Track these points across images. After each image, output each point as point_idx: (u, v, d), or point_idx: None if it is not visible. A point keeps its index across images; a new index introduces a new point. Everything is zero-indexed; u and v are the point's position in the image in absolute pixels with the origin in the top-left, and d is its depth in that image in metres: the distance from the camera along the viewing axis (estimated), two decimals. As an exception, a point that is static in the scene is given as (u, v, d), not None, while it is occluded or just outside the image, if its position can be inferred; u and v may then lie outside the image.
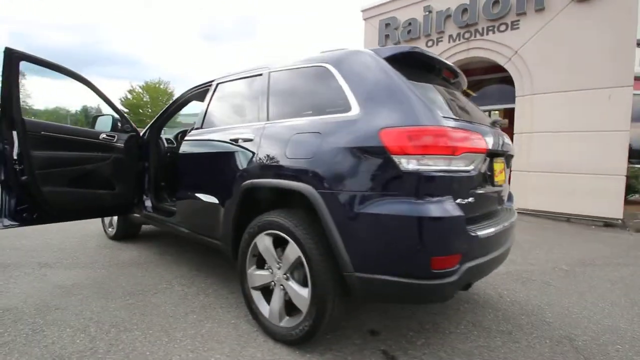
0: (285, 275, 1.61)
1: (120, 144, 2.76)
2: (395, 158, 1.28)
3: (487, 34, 6.58)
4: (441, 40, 7.24)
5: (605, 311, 2.10)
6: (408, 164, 1.27)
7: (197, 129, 2.32)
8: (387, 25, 7.97)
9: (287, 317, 1.63)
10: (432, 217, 1.23)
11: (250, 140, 1.82)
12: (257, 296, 1.77)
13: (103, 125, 2.83)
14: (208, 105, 2.32)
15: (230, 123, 2.13)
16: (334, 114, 1.53)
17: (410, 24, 7.56)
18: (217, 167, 2.01)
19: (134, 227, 3.39)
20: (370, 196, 1.31)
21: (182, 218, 2.36)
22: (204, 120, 2.30)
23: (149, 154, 2.93)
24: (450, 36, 7.08)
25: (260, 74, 2.02)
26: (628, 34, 5.16)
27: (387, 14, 8.00)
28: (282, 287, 1.63)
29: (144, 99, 32.78)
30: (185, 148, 2.30)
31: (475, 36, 6.74)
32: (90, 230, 3.79)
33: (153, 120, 2.97)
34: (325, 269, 1.45)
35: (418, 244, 1.24)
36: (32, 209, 2.21)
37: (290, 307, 1.61)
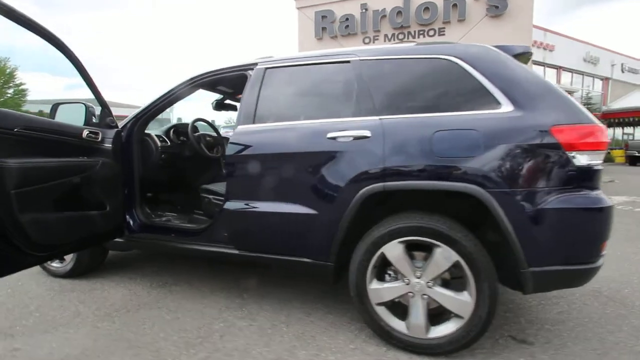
0: (429, 283, 1.49)
1: (107, 145, 2.00)
2: (570, 154, 1.33)
3: (419, 37, 7.33)
4: (377, 39, 7.71)
5: None
6: (581, 159, 1.34)
7: (244, 123, 1.86)
8: (323, 17, 8.00)
9: (434, 327, 1.52)
10: (606, 206, 1.35)
11: (366, 137, 1.58)
12: (383, 313, 1.58)
13: (69, 118, 1.98)
14: (258, 95, 1.88)
15: (309, 117, 1.79)
16: (479, 109, 1.47)
17: (347, 19, 7.77)
18: (310, 170, 1.66)
19: (101, 254, 2.43)
20: (549, 192, 1.33)
21: (236, 236, 1.88)
22: (255, 113, 1.86)
23: (131, 156, 2.21)
24: (386, 35, 7.61)
25: (347, 61, 1.76)
26: (525, 43, 6.58)
27: (323, 6, 8.03)
28: (425, 296, 1.51)
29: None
30: (238, 148, 1.82)
31: (408, 38, 7.42)
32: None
33: (138, 112, 2.24)
34: (491, 270, 1.41)
35: (598, 231, 1.35)
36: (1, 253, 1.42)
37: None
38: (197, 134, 2.63)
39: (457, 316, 1.47)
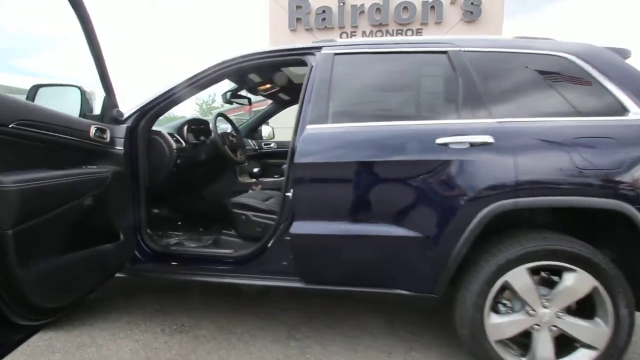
0: (559, 313, 1.31)
1: (118, 148, 1.45)
2: None
3: (396, 35, 7.31)
4: (355, 34, 7.51)
5: None
6: None
7: (315, 122, 1.45)
8: (298, 7, 7.57)
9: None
10: None
11: (487, 144, 1.32)
12: (502, 350, 1.36)
13: (58, 106, 1.39)
14: (329, 86, 1.51)
15: (399, 117, 1.47)
16: (604, 115, 1.33)
17: (324, 11, 7.45)
18: (413, 183, 1.34)
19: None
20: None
21: (305, 265, 1.47)
22: (329, 110, 1.49)
23: (135, 161, 1.66)
24: (364, 32, 7.45)
25: (443, 52, 1.47)
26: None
27: (298, -4, 7.59)
28: (554, 327, 1.32)
29: None
30: (312, 154, 1.41)
31: (385, 36, 7.36)
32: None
33: (144, 104, 1.69)
34: (629, 295, 1.27)
35: None
36: None
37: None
38: (220, 133, 2.13)
39: (589, 347, 1.31)
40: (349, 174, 1.39)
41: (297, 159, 1.41)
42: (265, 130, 3.07)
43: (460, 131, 1.35)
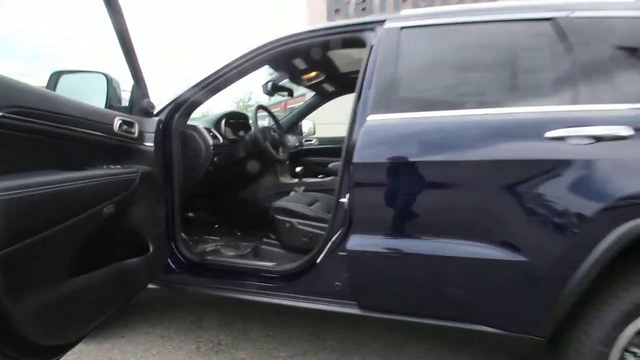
0: None
1: (148, 144, 1.28)
2: None
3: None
4: (396, 24, 7.07)
5: None
6: None
7: (379, 112, 1.17)
8: (336, -3, 7.27)
9: None
10: None
11: (623, 138, 0.97)
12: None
13: (77, 98, 1.21)
14: (395, 67, 1.22)
15: (488, 103, 1.16)
16: None
17: (364, 0, 7.09)
18: (515, 190, 1.03)
19: None
20: None
21: (363, 289, 1.20)
22: (396, 96, 1.20)
23: (169, 159, 1.48)
24: (406, 21, 6.98)
25: (548, 19, 1.13)
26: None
27: (336, -15, 7.28)
28: None
29: None
30: (376, 151, 1.14)
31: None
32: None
33: (177, 95, 1.50)
34: None
35: None
36: None
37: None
38: (261, 127, 1.91)
39: None
40: (425, 178, 1.09)
41: (357, 158, 1.14)
42: (305, 125, 2.83)
43: (580, 120, 1.00)
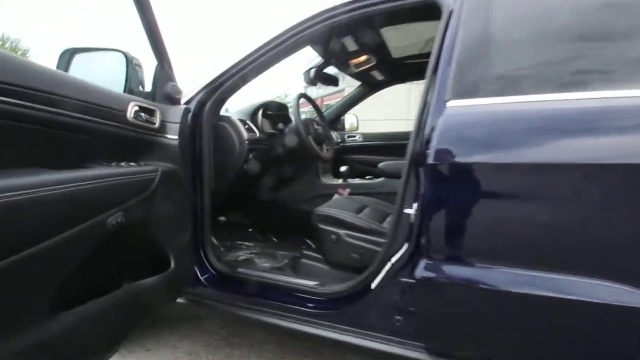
0: None
1: (171, 137, 1.08)
2: None
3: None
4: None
5: None
6: None
7: (463, 96, 0.89)
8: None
9: None
10: None
11: None
12: None
13: (92, 78, 1.01)
14: (486, 38, 0.92)
15: (625, 80, 0.83)
16: None
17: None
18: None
19: None
20: None
21: (436, 328, 0.92)
22: (486, 76, 0.91)
23: (199, 156, 1.27)
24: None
25: None
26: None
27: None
28: None
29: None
30: (460, 149, 0.86)
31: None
32: None
33: (210, 81, 1.30)
34: None
35: None
36: None
37: None
38: (303, 119, 1.67)
39: None
40: (539, 187, 0.78)
41: (434, 158, 0.85)
42: (348, 119, 2.56)
43: None
